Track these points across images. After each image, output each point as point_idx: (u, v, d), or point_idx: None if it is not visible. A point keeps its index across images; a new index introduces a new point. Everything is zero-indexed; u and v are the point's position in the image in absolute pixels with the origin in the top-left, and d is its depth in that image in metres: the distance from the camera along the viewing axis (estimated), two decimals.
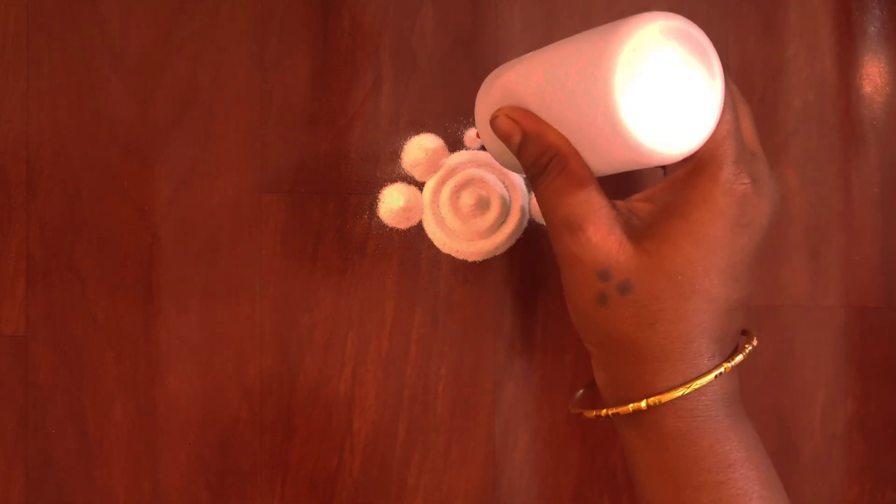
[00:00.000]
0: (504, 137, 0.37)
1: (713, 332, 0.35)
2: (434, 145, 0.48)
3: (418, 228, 0.48)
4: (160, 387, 0.48)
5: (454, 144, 0.48)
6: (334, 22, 0.48)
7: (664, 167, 0.37)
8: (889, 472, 0.49)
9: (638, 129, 0.32)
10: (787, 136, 0.49)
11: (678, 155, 0.33)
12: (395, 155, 0.48)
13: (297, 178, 0.48)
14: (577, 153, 0.35)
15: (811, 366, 0.49)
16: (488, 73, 0.41)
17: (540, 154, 0.36)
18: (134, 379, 0.48)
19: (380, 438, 0.48)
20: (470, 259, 0.48)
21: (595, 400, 0.39)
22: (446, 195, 0.47)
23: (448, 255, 0.48)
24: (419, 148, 0.48)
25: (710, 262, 0.34)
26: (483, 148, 0.48)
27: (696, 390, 0.34)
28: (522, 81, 0.37)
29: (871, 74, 0.49)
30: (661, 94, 0.32)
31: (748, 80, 0.48)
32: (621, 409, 0.35)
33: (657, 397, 0.34)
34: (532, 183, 0.37)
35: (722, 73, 0.33)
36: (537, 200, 0.37)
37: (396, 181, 0.48)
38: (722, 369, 0.35)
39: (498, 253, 0.48)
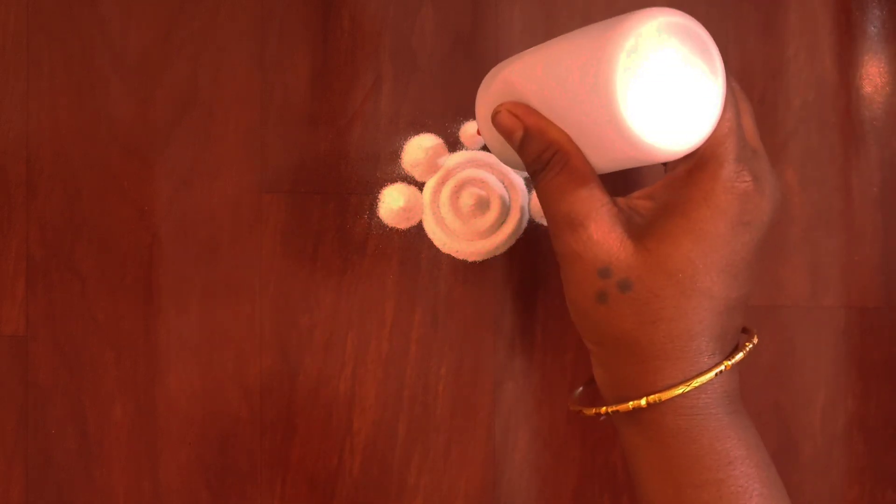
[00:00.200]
0: (506, 133, 0.37)
1: (713, 330, 0.35)
2: (434, 145, 0.48)
3: (418, 228, 0.48)
4: (160, 387, 0.48)
5: (454, 144, 0.48)
6: (334, 22, 0.48)
7: (665, 164, 0.36)
8: (889, 471, 0.49)
9: (639, 126, 0.32)
10: (787, 136, 0.49)
11: (679, 152, 0.33)
12: (395, 155, 0.48)
13: (297, 178, 0.48)
14: (578, 150, 0.35)
15: (811, 366, 0.49)
16: (488, 74, 0.41)
17: (542, 150, 0.36)
18: (134, 379, 0.48)
19: (380, 438, 0.48)
20: (470, 259, 0.48)
21: (594, 398, 0.39)
22: (446, 195, 0.47)
23: (448, 255, 0.48)
24: (419, 148, 0.48)
25: (710, 260, 0.34)
26: (485, 148, 0.48)
27: (696, 388, 0.34)
28: (524, 77, 0.37)
29: (871, 74, 0.49)
30: (662, 91, 0.32)
31: (748, 80, 0.48)
32: (621, 407, 0.35)
33: (657, 395, 0.34)
34: (533, 179, 0.37)
35: (723, 69, 0.33)
36: (538, 197, 0.37)
37: (396, 181, 0.48)
38: (722, 367, 0.34)
39: (498, 253, 0.48)
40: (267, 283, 0.48)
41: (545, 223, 0.48)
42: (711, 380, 0.34)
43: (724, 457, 0.34)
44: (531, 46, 0.38)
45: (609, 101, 0.32)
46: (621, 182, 0.45)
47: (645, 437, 0.36)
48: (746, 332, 0.38)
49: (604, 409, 0.37)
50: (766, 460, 0.35)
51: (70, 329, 0.48)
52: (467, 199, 0.47)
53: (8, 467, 0.48)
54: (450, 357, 0.48)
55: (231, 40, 0.48)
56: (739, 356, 0.35)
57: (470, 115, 0.48)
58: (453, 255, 0.48)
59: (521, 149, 0.37)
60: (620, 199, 0.37)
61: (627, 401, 0.35)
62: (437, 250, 0.48)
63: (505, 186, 0.47)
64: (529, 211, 0.48)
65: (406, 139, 0.48)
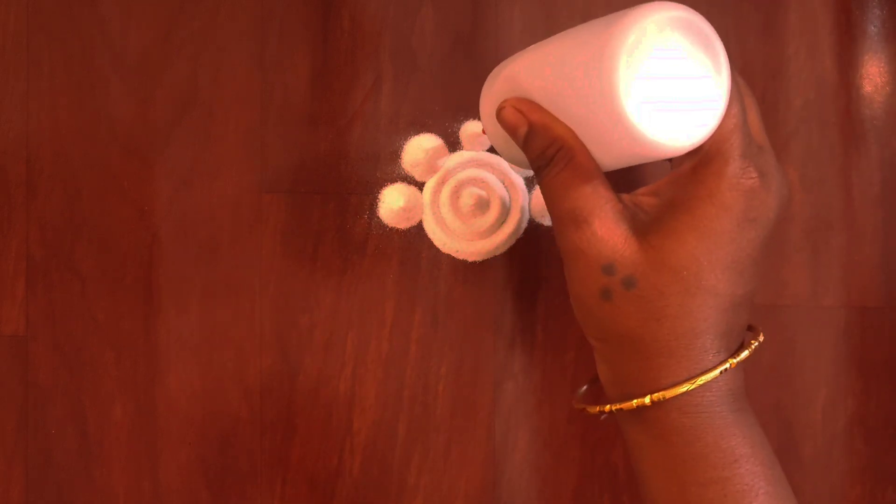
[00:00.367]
0: (510, 129, 0.37)
1: (718, 328, 0.34)
2: (434, 145, 0.48)
3: (418, 228, 0.48)
4: (160, 387, 0.48)
5: (454, 144, 0.48)
6: (334, 22, 0.48)
7: (670, 159, 0.36)
8: (890, 471, 0.49)
9: (642, 122, 0.32)
10: (788, 135, 0.49)
11: (683, 148, 0.33)
12: (395, 155, 0.48)
13: (297, 178, 0.48)
14: (583, 146, 0.35)
15: (812, 365, 0.49)
16: (488, 74, 0.40)
17: (546, 146, 0.35)
18: (134, 379, 0.48)
19: (380, 438, 0.48)
20: (470, 259, 0.48)
21: (598, 396, 0.39)
22: (446, 195, 0.47)
23: (448, 255, 0.48)
24: (419, 148, 0.48)
25: (715, 257, 0.34)
26: (491, 150, 0.48)
27: (700, 386, 0.34)
28: (528, 74, 0.37)
29: (871, 74, 0.49)
30: (666, 87, 0.32)
31: (748, 79, 0.48)
32: (625, 405, 0.35)
33: (661, 393, 0.34)
34: (537, 175, 0.37)
35: (728, 64, 0.33)
36: (542, 193, 0.37)
37: (396, 181, 0.48)
38: (727, 365, 0.34)
39: (498, 253, 0.48)
40: (267, 283, 0.48)
41: (545, 223, 0.48)
42: (716, 378, 0.34)
43: (729, 455, 0.34)
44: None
45: (612, 97, 0.32)
46: (626, 178, 0.45)
47: (649, 435, 0.35)
48: (752, 329, 0.38)
49: (608, 406, 0.36)
50: (771, 458, 0.35)
51: (70, 329, 0.48)
52: (467, 199, 0.47)
53: (8, 467, 0.48)
54: (450, 357, 0.48)
55: (231, 40, 0.48)
56: (744, 354, 0.35)
57: (470, 114, 0.48)
58: (453, 255, 0.48)
59: (525, 145, 0.36)
60: (625, 196, 0.37)
61: (631, 398, 0.35)
62: (437, 250, 0.48)
63: (505, 186, 0.47)
64: (530, 211, 0.48)
65: (406, 139, 0.48)
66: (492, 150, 0.47)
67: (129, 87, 0.48)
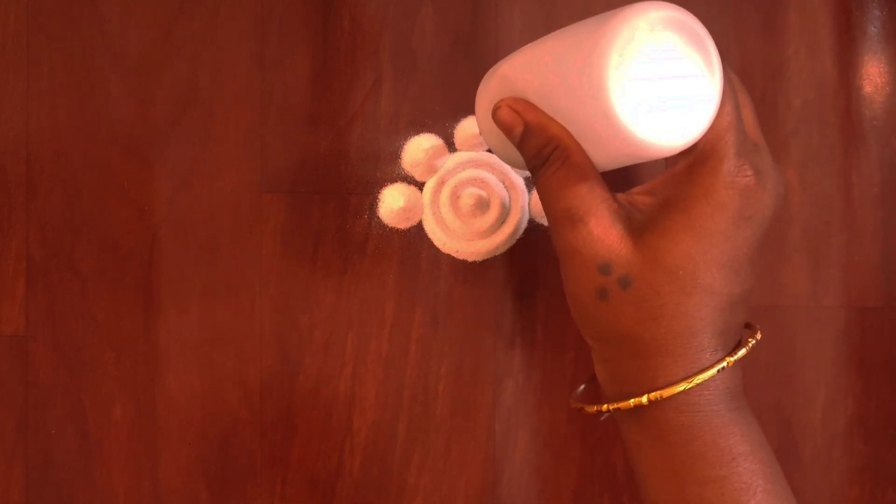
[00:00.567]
0: (506, 128, 0.37)
1: (715, 327, 0.34)
2: (434, 145, 0.48)
3: (418, 228, 0.48)
4: (160, 387, 0.48)
5: (454, 144, 0.48)
6: (334, 22, 0.48)
7: (665, 159, 0.36)
8: (889, 471, 0.49)
9: (633, 122, 0.32)
10: (788, 135, 0.49)
11: (676, 148, 0.33)
12: (395, 155, 0.48)
13: (297, 178, 0.48)
14: (579, 145, 0.35)
15: (812, 365, 0.49)
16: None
17: (542, 145, 0.35)
18: (134, 379, 0.48)
19: (380, 438, 0.48)
20: (470, 259, 0.48)
21: (596, 395, 0.39)
22: (446, 195, 0.47)
23: (448, 255, 0.48)
24: (419, 148, 0.48)
25: (711, 256, 0.34)
26: (490, 152, 0.47)
27: (698, 385, 0.34)
28: (523, 73, 0.37)
29: (871, 74, 0.49)
30: (657, 86, 0.32)
31: (748, 79, 0.48)
32: (622, 405, 0.35)
33: (658, 392, 0.34)
34: (533, 175, 0.37)
35: (720, 62, 0.33)
36: (538, 192, 0.37)
37: (396, 181, 0.48)
38: (724, 364, 0.34)
39: (498, 253, 0.48)
40: (267, 282, 0.48)
41: (545, 223, 0.48)
42: (714, 376, 0.34)
43: (727, 453, 0.34)
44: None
45: (603, 98, 0.32)
46: (622, 177, 0.45)
47: (647, 434, 0.35)
48: (749, 327, 0.37)
49: (605, 406, 0.36)
50: (769, 457, 0.35)
51: (70, 329, 0.48)
52: (467, 199, 0.47)
53: (8, 467, 0.48)
54: (450, 357, 0.48)
55: (231, 40, 0.48)
56: (742, 352, 0.35)
57: (469, 114, 0.48)
58: (453, 255, 0.48)
59: (521, 144, 0.36)
60: (621, 195, 0.37)
61: (629, 398, 0.35)
62: (437, 250, 0.48)
63: (505, 186, 0.47)
64: (529, 211, 0.48)
65: (406, 139, 0.48)
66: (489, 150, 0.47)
67: (129, 87, 0.48)
